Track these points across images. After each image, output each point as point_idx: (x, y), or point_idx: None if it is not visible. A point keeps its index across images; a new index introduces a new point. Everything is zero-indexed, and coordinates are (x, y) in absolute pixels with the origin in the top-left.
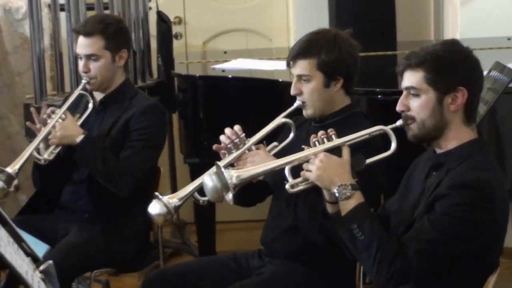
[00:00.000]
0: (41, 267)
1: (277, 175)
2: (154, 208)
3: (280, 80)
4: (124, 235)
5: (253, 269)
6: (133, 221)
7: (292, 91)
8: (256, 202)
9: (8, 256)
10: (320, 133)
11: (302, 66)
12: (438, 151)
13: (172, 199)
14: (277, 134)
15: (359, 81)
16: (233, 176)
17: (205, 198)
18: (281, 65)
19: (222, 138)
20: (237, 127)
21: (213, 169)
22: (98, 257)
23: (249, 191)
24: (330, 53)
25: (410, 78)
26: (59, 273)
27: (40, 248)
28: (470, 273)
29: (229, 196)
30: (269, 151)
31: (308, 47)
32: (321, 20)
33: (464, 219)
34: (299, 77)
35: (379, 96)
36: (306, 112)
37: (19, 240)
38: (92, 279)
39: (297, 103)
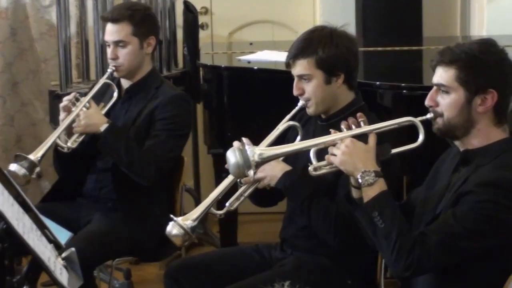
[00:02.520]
0: (64, 254)
1: (288, 181)
2: (172, 230)
3: None
4: (147, 224)
5: (275, 261)
6: (156, 210)
7: (295, 92)
8: (271, 204)
9: (31, 242)
10: (350, 119)
11: (301, 66)
12: (461, 148)
13: (187, 221)
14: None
15: (384, 76)
16: (255, 153)
17: (222, 212)
18: None
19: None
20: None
21: (236, 144)
22: (120, 246)
23: (264, 195)
24: (328, 50)
25: (442, 75)
26: (81, 260)
27: (63, 235)
28: (491, 271)
29: (251, 173)
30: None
31: (305, 46)
32: (347, 13)
33: (488, 216)
34: (300, 77)
35: (404, 91)
36: (310, 111)
37: (42, 227)
38: (114, 267)
39: (300, 103)
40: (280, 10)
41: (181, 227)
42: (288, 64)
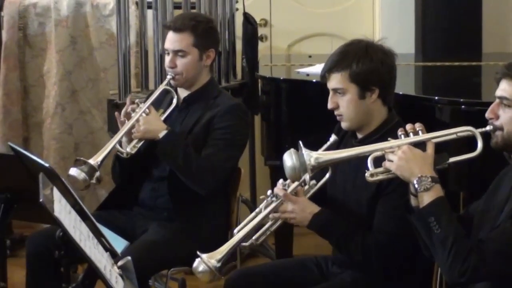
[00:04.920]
0: (120, 263)
1: (319, 223)
2: (198, 266)
3: None
4: (202, 234)
5: (334, 274)
6: (212, 220)
7: (329, 105)
8: None
9: (87, 250)
10: (409, 126)
11: (335, 79)
12: None
13: (212, 259)
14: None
15: (443, 91)
16: (312, 157)
17: (247, 244)
18: None
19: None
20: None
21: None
22: (176, 255)
23: None
24: (362, 64)
25: (506, 88)
26: (137, 269)
27: (119, 243)
28: None
29: (307, 177)
30: (307, 191)
31: (340, 59)
32: (406, 28)
33: None
34: (334, 90)
35: (463, 107)
36: (344, 125)
37: (98, 235)
38: (169, 277)
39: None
40: (339, 24)
41: (207, 265)
42: (323, 76)
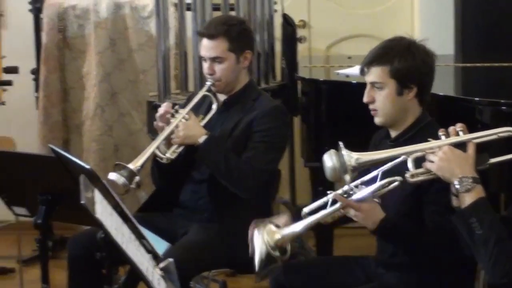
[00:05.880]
0: (161, 265)
1: (384, 231)
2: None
3: None
4: (243, 236)
5: (379, 276)
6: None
7: (365, 99)
8: None
9: (129, 252)
10: (451, 128)
11: (375, 73)
12: None
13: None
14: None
15: (483, 92)
16: (352, 158)
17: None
18: None
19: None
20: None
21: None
22: (217, 257)
23: None
24: (404, 61)
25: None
26: (179, 271)
27: (160, 245)
28: None
29: (347, 177)
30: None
31: (382, 54)
32: (445, 29)
33: None
34: (372, 84)
35: (504, 108)
36: (377, 120)
37: (140, 237)
38: (210, 279)
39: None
40: (378, 25)
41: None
42: (362, 70)
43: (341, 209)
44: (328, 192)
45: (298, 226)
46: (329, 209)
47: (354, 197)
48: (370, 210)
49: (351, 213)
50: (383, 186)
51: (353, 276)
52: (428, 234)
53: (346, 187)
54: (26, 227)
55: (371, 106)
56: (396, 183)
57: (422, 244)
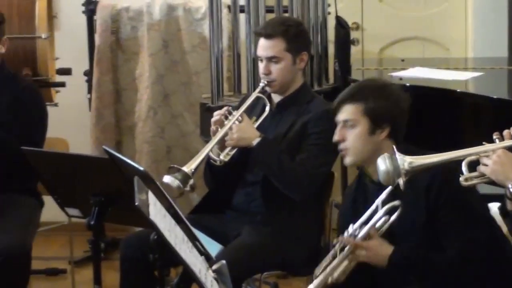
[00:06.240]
0: (214, 267)
1: (402, 263)
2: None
3: (458, 90)
4: (296, 238)
5: None
6: (305, 225)
7: (335, 137)
8: None
9: (182, 254)
10: (506, 132)
11: (348, 111)
12: None
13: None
14: None
15: None
16: (405, 161)
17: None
18: (459, 75)
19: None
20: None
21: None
22: (269, 260)
23: None
24: (378, 100)
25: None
26: (231, 273)
27: (213, 247)
28: None
29: (400, 181)
30: (380, 228)
31: (356, 92)
32: (499, 31)
33: None
34: (344, 122)
35: None
36: (348, 160)
37: (193, 239)
38: (262, 281)
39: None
40: (431, 27)
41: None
42: (335, 108)
43: (350, 255)
44: (334, 241)
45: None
46: (339, 257)
47: (360, 235)
48: (377, 246)
49: (361, 254)
50: (385, 215)
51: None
52: (450, 262)
53: (350, 230)
54: (78, 228)
55: (341, 146)
56: (399, 210)
57: (441, 274)
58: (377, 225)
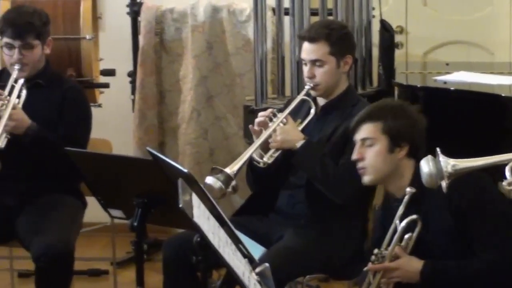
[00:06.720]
0: (257, 269)
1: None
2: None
3: (502, 95)
4: (339, 242)
5: None
6: (348, 229)
7: (354, 156)
8: None
9: (226, 256)
10: None
11: (367, 130)
12: None
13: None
14: None
15: None
16: (449, 164)
17: None
18: (503, 79)
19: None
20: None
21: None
22: (312, 263)
23: None
24: (397, 118)
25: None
26: (274, 276)
27: (256, 250)
28: None
29: (443, 184)
30: (405, 245)
31: (374, 111)
32: None
33: None
34: (363, 141)
35: None
36: (366, 179)
37: (236, 241)
38: (304, 284)
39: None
40: (476, 31)
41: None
42: (353, 128)
43: (383, 279)
44: (364, 269)
45: None
46: (372, 285)
47: (386, 258)
48: (406, 264)
49: (393, 275)
50: (407, 231)
51: None
52: (482, 270)
53: (376, 252)
54: (121, 229)
55: (359, 165)
56: (419, 224)
57: (474, 281)
58: (402, 243)
